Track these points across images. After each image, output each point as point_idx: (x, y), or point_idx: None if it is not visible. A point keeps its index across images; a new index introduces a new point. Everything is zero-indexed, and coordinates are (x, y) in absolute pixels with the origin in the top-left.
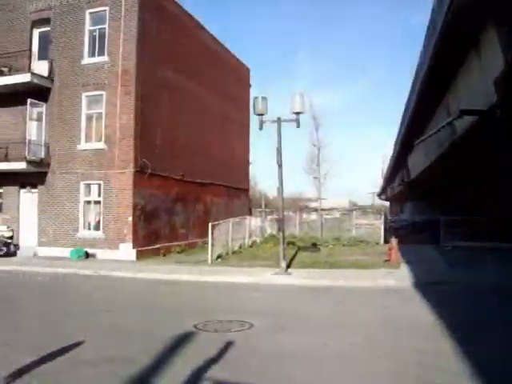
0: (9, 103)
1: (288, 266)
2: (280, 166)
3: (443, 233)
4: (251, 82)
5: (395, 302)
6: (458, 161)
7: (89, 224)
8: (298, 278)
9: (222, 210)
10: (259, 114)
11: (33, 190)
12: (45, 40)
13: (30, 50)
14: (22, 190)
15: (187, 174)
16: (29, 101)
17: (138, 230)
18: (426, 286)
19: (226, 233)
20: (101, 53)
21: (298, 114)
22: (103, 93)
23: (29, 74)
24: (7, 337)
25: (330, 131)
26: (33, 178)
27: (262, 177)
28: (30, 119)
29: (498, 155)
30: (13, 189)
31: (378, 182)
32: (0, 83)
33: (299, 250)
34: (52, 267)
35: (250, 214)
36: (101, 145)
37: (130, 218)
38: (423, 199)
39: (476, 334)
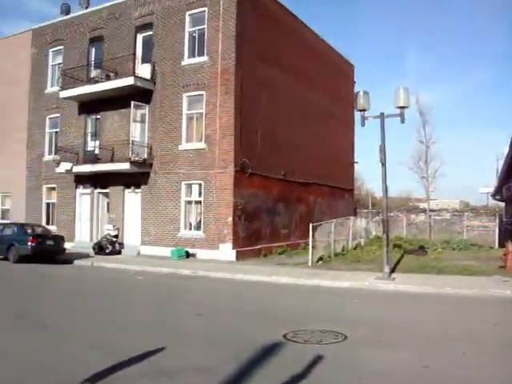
0: (116, 106)
1: (392, 271)
2: (383, 164)
3: None
4: (355, 79)
5: None
6: None
7: (190, 224)
8: (402, 283)
9: (325, 211)
10: (361, 110)
11: (136, 190)
12: (147, 44)
13: (134, 54)
14: (127, 190)
15: (289, 174)
16: (132, 103)
17: (238, 230)
18: None
19: (327, 234)
20: (200, 53)
21: (402, 108)
22: (203, 93)
23: (132, 78)
24: (91, 338)
25: (439, 129)
26: (136, 178)
27: (370, 176)
28: (134, 121)
29: None
30: (118, 189)
31: (491, 181)
32: (107, 87)
33: (405, 254)
34: (152, 266)
35: (355, 214)
36: (201, 145)
37: (230, 218)
38: None
39: None
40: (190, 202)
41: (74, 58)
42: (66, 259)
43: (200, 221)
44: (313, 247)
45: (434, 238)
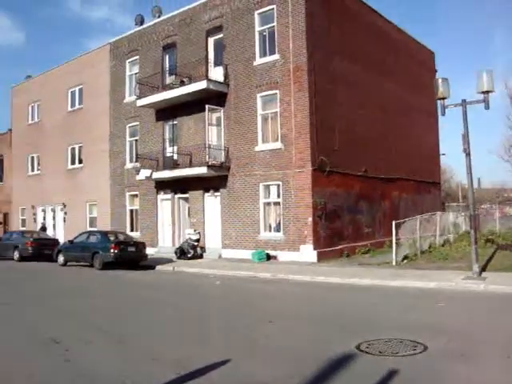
0: (192, 111)
1: (483, 269)
2: (468, 154)
3: None
4: (437, 67)
5: None
6: None
7: (269, 226)
8: (494, 283)
9: (411, 206)
10: (440, 98)
11: (216, 194)
12: (219, 47)
13: (207, 57)
14: (206, 194)
15: (370, 170)
16: (207, 107)
17: (318, 230)
18: None
19: (413, 231)
20: (272, 51)
21: (486, 93)
22: (277, 91)
23: (205, 81)
24: (156, 350)
25: None
26: (215, 181)
27: (460, 168)
28: (210, 124)
29: None
30: (198, 193)
31: None
32: (181, 93)
33: (498, 250)
34: (233, 270)
35: (443, 209)
36: (277, 145)
37: (310, 219)
38: None
39: None
40: (268, 204)
41: (149, 67)
42: (149, 265)
43: (279, 222)
44: (397, 245)
45: None
